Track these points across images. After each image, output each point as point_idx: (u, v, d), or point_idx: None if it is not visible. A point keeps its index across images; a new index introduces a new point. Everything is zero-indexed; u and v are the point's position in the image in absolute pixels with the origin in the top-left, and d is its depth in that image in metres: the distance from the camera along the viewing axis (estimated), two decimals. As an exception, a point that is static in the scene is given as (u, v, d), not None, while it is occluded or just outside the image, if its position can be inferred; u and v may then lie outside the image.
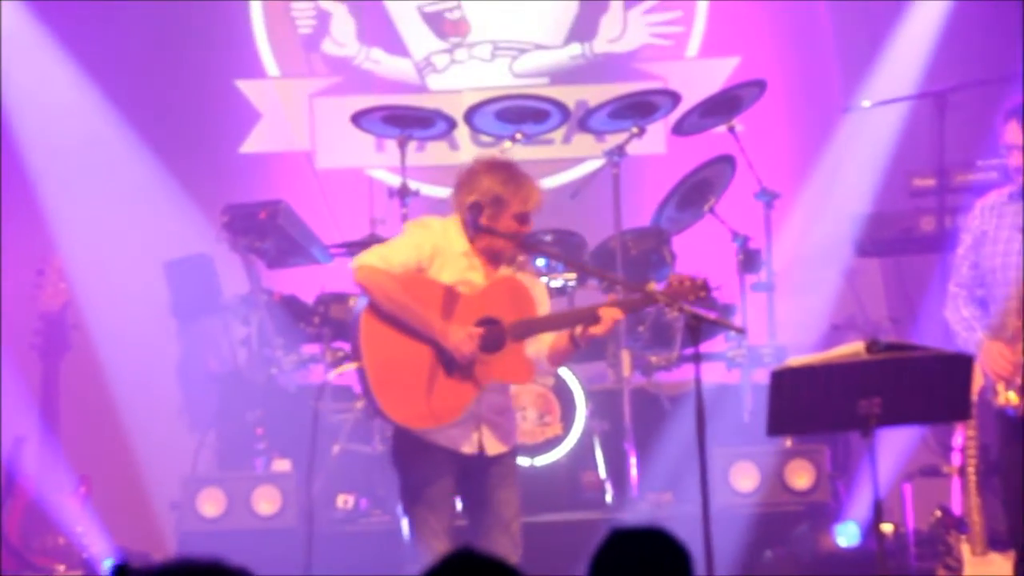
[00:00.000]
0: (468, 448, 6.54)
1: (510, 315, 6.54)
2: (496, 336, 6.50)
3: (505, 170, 6.64)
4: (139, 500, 9.26)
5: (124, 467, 9.53)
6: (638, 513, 8.33)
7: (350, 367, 6.55)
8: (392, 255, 6.47)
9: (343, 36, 10.36)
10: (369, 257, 6.47)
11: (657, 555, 3.65)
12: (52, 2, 9.81)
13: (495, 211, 6.55)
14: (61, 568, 8.83)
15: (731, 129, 8.99)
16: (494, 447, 6.60)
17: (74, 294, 9.26)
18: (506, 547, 6.53)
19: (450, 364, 6.46)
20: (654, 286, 6.61)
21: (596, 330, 6.51)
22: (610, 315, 6.50)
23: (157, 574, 3.28)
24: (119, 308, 9.51)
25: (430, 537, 6.49)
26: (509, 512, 6.64)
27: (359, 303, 6.55)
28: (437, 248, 6.52)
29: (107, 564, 8.45)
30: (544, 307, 6.70)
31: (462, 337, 6.41)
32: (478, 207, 6.55)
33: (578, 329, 6.53)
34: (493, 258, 6.62)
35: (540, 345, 6.64)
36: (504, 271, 6.65)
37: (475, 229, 6.57)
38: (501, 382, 6.62)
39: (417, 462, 6.53)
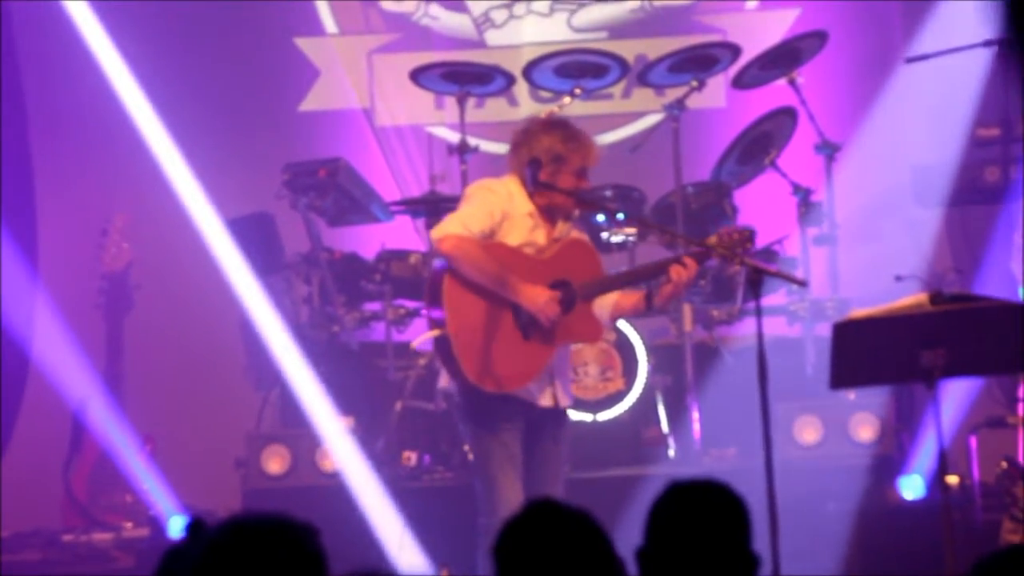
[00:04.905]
0: (545, 401, 6.69)
1: (578, 276, 6.67)
2: (568, 297, 6.59)
3: (563, 128, 6.74)
4: (204, 458, 9.31)
5: (189, 425, 9.60)
6: (701, 467, 8.33)
7: (432, 335, 6.60)
8: (471, 222, 6.55)
9: (401, -8, 10.34)
10: (451, 226, 6.55)
11: (714, 507, 3.66)
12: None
13: (556, 168, 6.64)
14: (128, 525, 8.92)
15: (792, 81, 8.93)
16: (565, 399, 6.77)
17: (137, 254, 9.31)
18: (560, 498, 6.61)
19: (527, 327, 6.58)
20: (715, 240, 6.68)
21: (670, 288, 6.60)
22: (682, 271, 6.54)
23: (224, 530, 3.30)
24: (181, 267, 9.55)
25: (508, 487, 6.58)
26: (563, 468, 6.82)
27: (435, 268, 6.60)
28: (505, 212, 6.63)
29: (178, 522, 8.52)
30: None
31: (547, 300, 6.51)
32: (537, 163, 6.62)
33: (658, 294, 6.63)
34: (551, 215, 6.72)
35: (603, 302, 6.76)
36: (561, 227, 6.70)
37: (535, 185, 6.62)
38: (573, 342, 6.77)
39: (496, 413, 6.63)
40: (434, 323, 6.63)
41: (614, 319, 6.90)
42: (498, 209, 6.61)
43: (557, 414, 6.74)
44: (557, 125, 6.76)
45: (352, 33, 10.35)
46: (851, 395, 8.46)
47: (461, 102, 8.92)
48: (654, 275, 6.84)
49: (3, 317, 9.35)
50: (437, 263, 6.63)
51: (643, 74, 9.04)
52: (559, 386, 6.71)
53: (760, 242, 8.89)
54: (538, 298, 6.52)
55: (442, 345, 6.59)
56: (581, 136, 6.72)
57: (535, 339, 6.58)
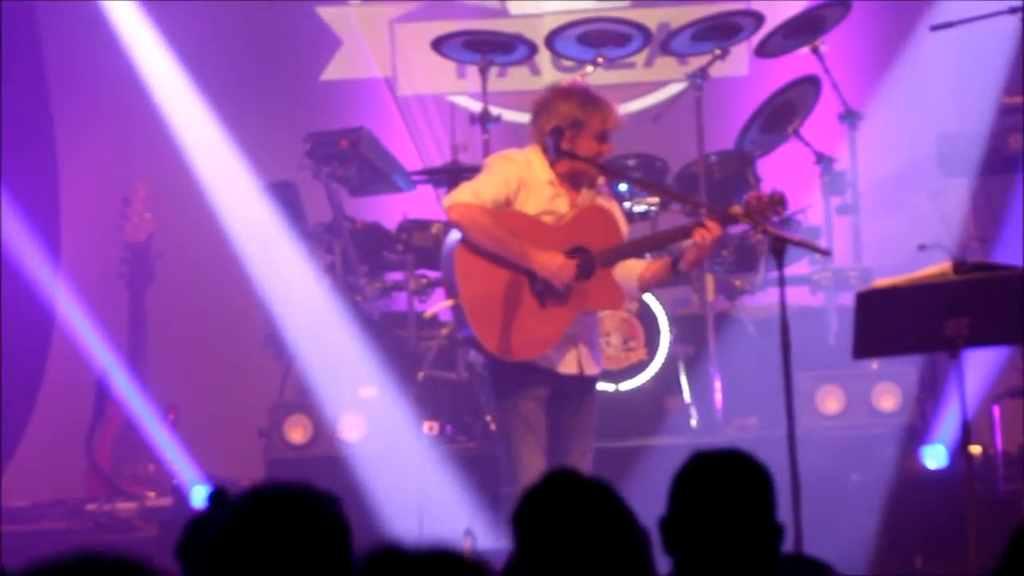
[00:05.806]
0: (568, 369, 6.64)
1: (598, 243, 6.64)
2: (587, 264, 6.56)
3: (581, 93, 6.74)
4: (226, 427, 9.34)
5: (211, 394, 9.61)
6: (723, 437, 8.32)
7: (445, 305, 6.62)
8: (483, 191, 6.54)
9: (423, -39, 10.30)
10: (461, 195, 6.55)
11: (738, 477, 3.65)
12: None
13: (575, 133, 6.62)
14: (151, 495, 8.94)
15: (815, 50, 8.89)
16: (591, 367, 6.71)
17: (158, 223, 9.31)
18: (587, 471, 6.57)
19: (544, 294, 6.55)
20: (738, 209, 6.63)
21: (695, 252, 6.52)
22: (706, 233, 6.48)
23: (247, 500, 3.30)
24: (203, 236, 9.55)
25: (530, 457, 6.56)
26: (590, 440, 6.75)
27: (449, 239, 6.61)
28: (523, 180, 6.61)
29: (200, 491, 8.54)
30: (624, 227, 6.79)
31: (560, 265, 6.48)
32: (559, 132, 6.60)
33: (683, 259, 6.57)
34: (575, 182, 6.70)
35: (629, 272, 6.68)
36: (585, 194, 6.68)
37: (557, 154, 6.61)
38: (594, 309, 6.72)
39: (518, 382, 6.61)
40: (450, 292, 6.62)
41: (642, 291, 6.85)
42: (514, 177, 6.59)
43: (583, 381, 6.68)
44: (575, 91, 6.77)
45: (374, 1, 10.33)
46: (874, 365, 8.44)
47: (483, 71, 8.91)
48: (675, 240, 6.81)
49: (26, 288, 9.36)
50: (451, 235, 6.61)
51: (666, 43, 9.00)
52: (584, 352, 6.65)
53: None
54: (551, 263, 6.50)
55: (457, 314, 6.60)
56: (599, 100, 6.71)
57: (552, 306, 6.55)
